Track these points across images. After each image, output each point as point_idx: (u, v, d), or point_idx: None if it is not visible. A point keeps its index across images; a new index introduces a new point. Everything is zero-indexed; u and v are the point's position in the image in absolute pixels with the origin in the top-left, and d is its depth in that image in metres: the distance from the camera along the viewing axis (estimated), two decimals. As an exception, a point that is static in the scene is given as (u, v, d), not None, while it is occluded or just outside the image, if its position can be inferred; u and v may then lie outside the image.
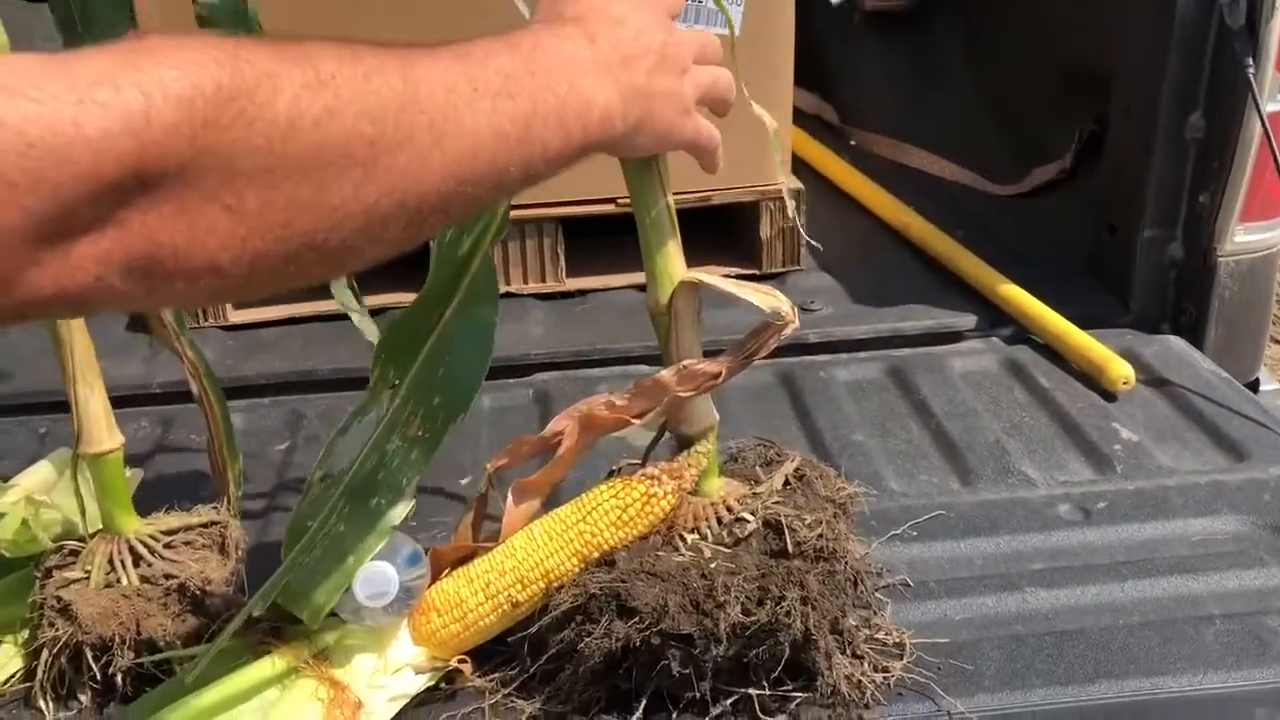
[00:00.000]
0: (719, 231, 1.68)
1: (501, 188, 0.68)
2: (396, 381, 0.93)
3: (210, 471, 1.12)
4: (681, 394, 0.91)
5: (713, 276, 0.91)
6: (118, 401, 1.16)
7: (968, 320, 1.54)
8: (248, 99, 0.53)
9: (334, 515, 0.89)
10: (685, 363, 0.91)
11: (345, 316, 1.18)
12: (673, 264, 0.92)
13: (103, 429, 0.99)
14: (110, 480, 1.00)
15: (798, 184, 1.64)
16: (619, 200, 1.56)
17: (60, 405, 1.40)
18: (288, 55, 0.56)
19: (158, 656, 0.93)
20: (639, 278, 1.66)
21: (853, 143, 2.15)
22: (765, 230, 1.64)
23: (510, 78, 0.66)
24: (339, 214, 0.58)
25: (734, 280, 0.91)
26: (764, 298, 0.90)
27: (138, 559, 0.99)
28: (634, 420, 0.94)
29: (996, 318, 1.54)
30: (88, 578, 0.97)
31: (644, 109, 0.77)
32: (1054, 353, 1.47)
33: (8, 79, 0.47)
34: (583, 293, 1.66)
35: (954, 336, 1.53)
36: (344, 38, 0.60)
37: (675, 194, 1.45)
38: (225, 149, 0.52)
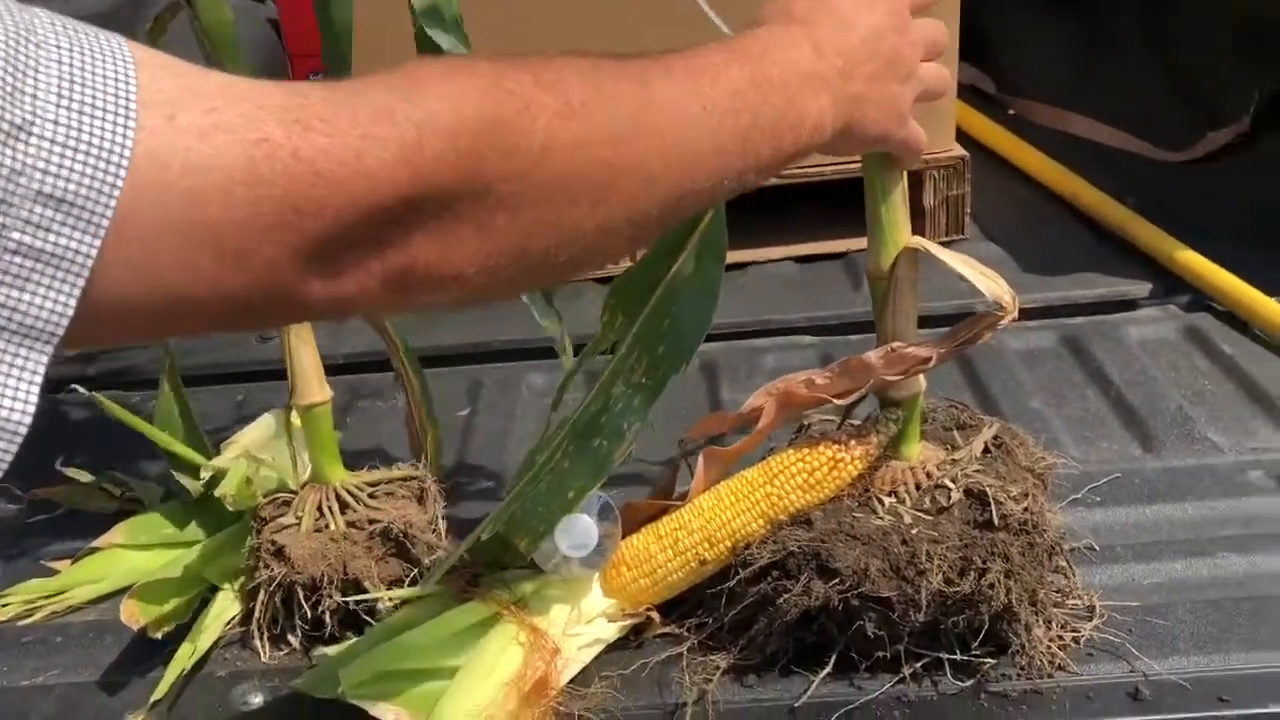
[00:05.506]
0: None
1: (715, 197, 0.70)
2: (624, 328, 0.96)
3: (408, 436, 1.18)
4: (888, 377, 0.91)
5: (938, 247, 0.90)
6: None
7: (1143, 288, 1.50)
8: (507, 129, 0.56)
9: (559, 453, 0.93)
10: (894, 345, 0.91)
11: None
12: (899, 230, 0.91)
13: (314, 383, 1.05)
14: (320, 432, 1.06)
15: (962, 151, 1.63)
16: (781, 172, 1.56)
17: (251, 375, 1.51)
18: (543, 80, 0.59)
19: (367, 597, 0.99)
20: (796, 250, 1.69)
21: (1011, 112, 2.10)
22: (929, 198, 1.62)
23: (738, 94, 0.67)
24: (572, 232, 0.61)
25: (959, 255, 0.90)
26: (986, 282, 0.88)
27: (344, 506, 1.05)
28: (834, 399, 0.94)
29: (1173, 285, 1.50)
30: (299, 524, 1.03)
31: (855, 115, 0.76)
32: (1237, 320, 1.42)
33: (301, 113, 0.51)
34: (741, 266, 1.67)
35: (1129, 305, 1.49)
36: (585, 52, 0.62)
37: (839, 163, 1.44)
38: (484, 175, 0.56)
